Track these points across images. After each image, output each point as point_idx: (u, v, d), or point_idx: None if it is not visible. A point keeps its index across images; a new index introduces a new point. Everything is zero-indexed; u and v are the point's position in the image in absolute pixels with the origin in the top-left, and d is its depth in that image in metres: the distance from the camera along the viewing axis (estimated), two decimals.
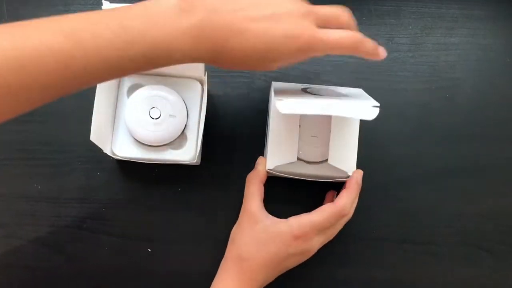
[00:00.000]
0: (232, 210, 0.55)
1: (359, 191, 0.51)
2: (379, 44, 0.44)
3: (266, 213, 0.50)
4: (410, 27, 0.61)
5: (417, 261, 0.57)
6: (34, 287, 0.56)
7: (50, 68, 0.34)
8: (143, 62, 0.38)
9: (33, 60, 0.34)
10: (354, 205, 0.52)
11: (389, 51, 0.60)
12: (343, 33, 0.41)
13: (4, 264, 0.56)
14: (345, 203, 0.49)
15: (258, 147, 0.57)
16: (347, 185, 0.51)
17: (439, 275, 0.57)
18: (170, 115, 0.53)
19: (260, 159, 0.54)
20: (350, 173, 0.52)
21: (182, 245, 0.57)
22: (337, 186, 0.55)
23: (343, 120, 0.53)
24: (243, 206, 0.52)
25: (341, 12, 0.42)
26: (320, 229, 0.49)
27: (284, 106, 0.43)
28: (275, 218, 0.50)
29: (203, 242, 0.57)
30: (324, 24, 0.41)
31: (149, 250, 0.56)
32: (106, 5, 0.45)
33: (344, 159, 0.53)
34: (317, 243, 0.49)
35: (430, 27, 0.61)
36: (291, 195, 0.57)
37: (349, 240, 0.56)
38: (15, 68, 0.33)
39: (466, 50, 0.61)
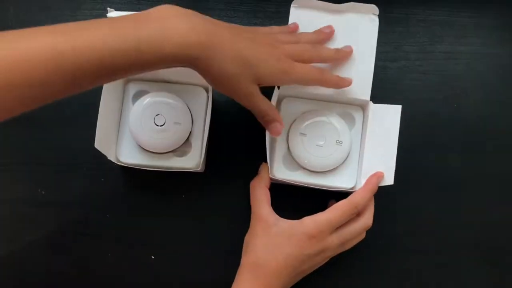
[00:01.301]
0: (236, 218, 0.55)
1: (375, 191, 0.51)
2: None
3: (277, 216, 0.50)
4: (419, 35, 0.61)
5: (424, 271, 0.57)
6: None
7: (46, 64, 0.36)
8: (134, 57, 0.38)
9: (30, 59, 0.36)
10: (371, 210, 0.51)
11: (397, 59, 0.60)
12: (308, 68, 0.48)
13: (7, 268, 0.56)
14: (359, 200, 0.49)
15: (263, 154, 0.56)
16: (365, 183, 0.51)
17: (447, 285, 0.56)
18: (175, 122, 0.53)
19: (263, 166, 0.54)
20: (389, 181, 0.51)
21: (185, 252, 0.56)
22: (342, 195, 0.55)
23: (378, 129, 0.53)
24: (252, 212, 0.51)
25: (308, 48, 0.49)
26: (335, 225, 0.48)
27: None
28: (288, 220, 0.49)
29: (207, 249, 0.57)
30: (297, 59, 0.47)
31: (153, 257, 0.56)
32: (111, 13, 0.45)
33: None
34: (332, 243, 0.49)
35: (438, 36, 0.61)
36: (294, 201, 0.56)
37: (355, 249, 0.55)
38: (16, 67, 0.35)
39: (475, 59, 0.60)
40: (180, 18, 0.40)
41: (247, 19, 0.61)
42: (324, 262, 0.50)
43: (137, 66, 0.39)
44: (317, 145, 0.53)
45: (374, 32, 0.52)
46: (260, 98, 0.46)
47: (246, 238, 0.51)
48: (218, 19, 0.60)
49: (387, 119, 0.52)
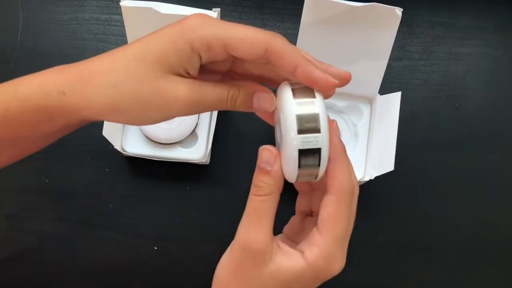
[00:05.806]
0: (239, 211, 0.55)
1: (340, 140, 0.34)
2: None
3: (274, 245, 0.33)
4: (422, 35, 0.62)
5: (421, 268, 0.57)
6: (39, 280, 0.56)
7: None
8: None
9: None
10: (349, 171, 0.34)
11: (400, 58, 0.61)
12: None
13: (9, 256, 0.56)
14: (350, 183, 0.33)
15: None
16: (333, 156, 0.33)
17: (443, 283, 0.57)
18: None
19: (269, 151, 0.35)
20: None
21: (188, 244, 0.57)
22: None
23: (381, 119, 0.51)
24: (240, 235, 0.34)
25: None
26: (347, 238, 0.36)
27: None
28: (287, 251, 0.34)
29: (209, 241, 0.57)
30: None
31: (155, 248, 0.56)
32: (124, 1, 0.45)
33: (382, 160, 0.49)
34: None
35: (442, 37, 0.62)
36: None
37: (355, 245, 0.56)
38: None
39: (477, 61, 0.61)
40: None
41: (253, 14, 0.62)
42: None
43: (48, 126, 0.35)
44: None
45: (393, 32, 0.49)
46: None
47: (222, 273, 0.35)
48: (224, 14, 0.61)
49: (389, 107, 0.52)
